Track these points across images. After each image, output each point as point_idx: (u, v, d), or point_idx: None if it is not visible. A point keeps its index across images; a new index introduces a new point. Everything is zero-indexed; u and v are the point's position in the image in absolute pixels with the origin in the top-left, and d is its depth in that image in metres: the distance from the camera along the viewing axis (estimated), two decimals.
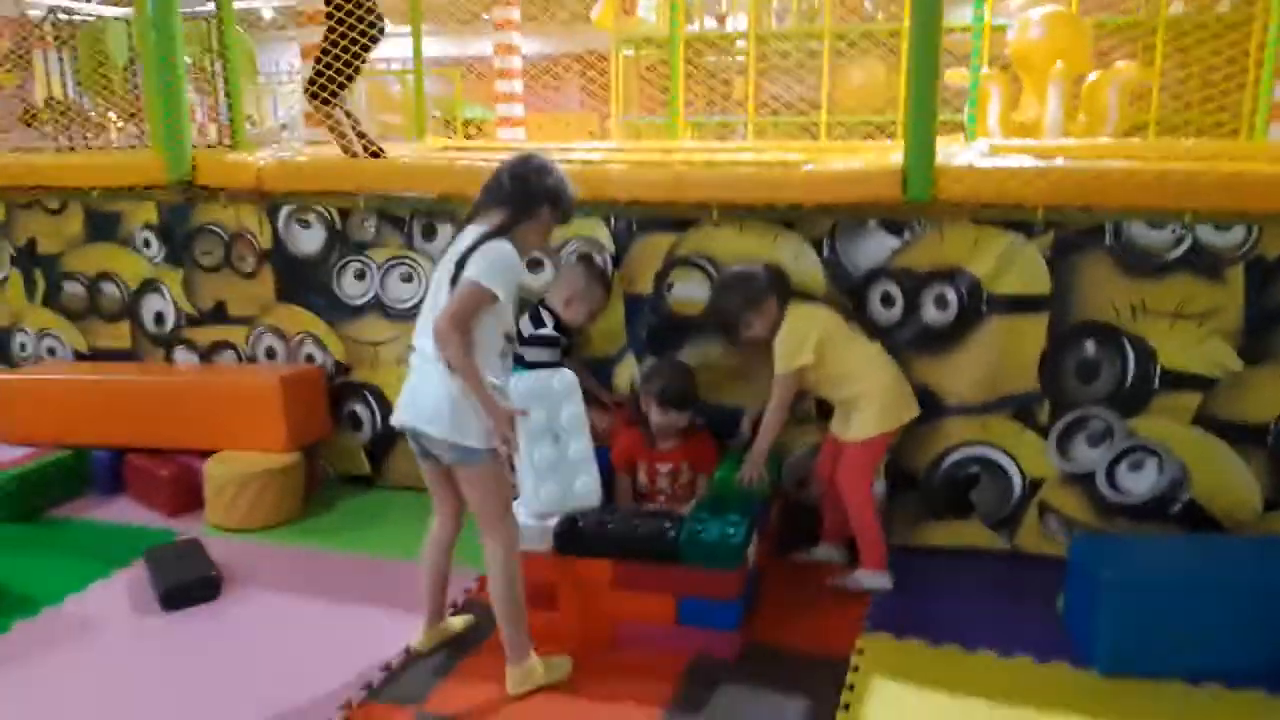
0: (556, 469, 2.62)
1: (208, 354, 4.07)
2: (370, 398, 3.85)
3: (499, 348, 2.47)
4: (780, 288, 3.05)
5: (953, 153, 3.57)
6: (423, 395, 2.44)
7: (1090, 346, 3.05)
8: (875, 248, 3.18)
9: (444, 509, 2.64)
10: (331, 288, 3.82)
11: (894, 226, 3.15)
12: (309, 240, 3.82)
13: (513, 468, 2.57)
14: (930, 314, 3.16)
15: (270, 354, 3.98)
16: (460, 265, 2.40)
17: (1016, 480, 3.18)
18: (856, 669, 2.62)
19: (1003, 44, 8.69)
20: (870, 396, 3.01)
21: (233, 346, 4.03)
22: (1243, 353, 2.93)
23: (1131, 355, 3.02)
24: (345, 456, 3.92)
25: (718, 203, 3.27)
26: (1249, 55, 9.34)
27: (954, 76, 9.04)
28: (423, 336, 2.46)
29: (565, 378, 2.71)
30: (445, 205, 3.58)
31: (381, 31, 3.93)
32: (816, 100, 10.95)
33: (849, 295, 3.22)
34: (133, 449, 3.79)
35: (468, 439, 2.40)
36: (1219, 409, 2.98)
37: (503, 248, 2.40)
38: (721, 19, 11.66)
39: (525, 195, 2.47)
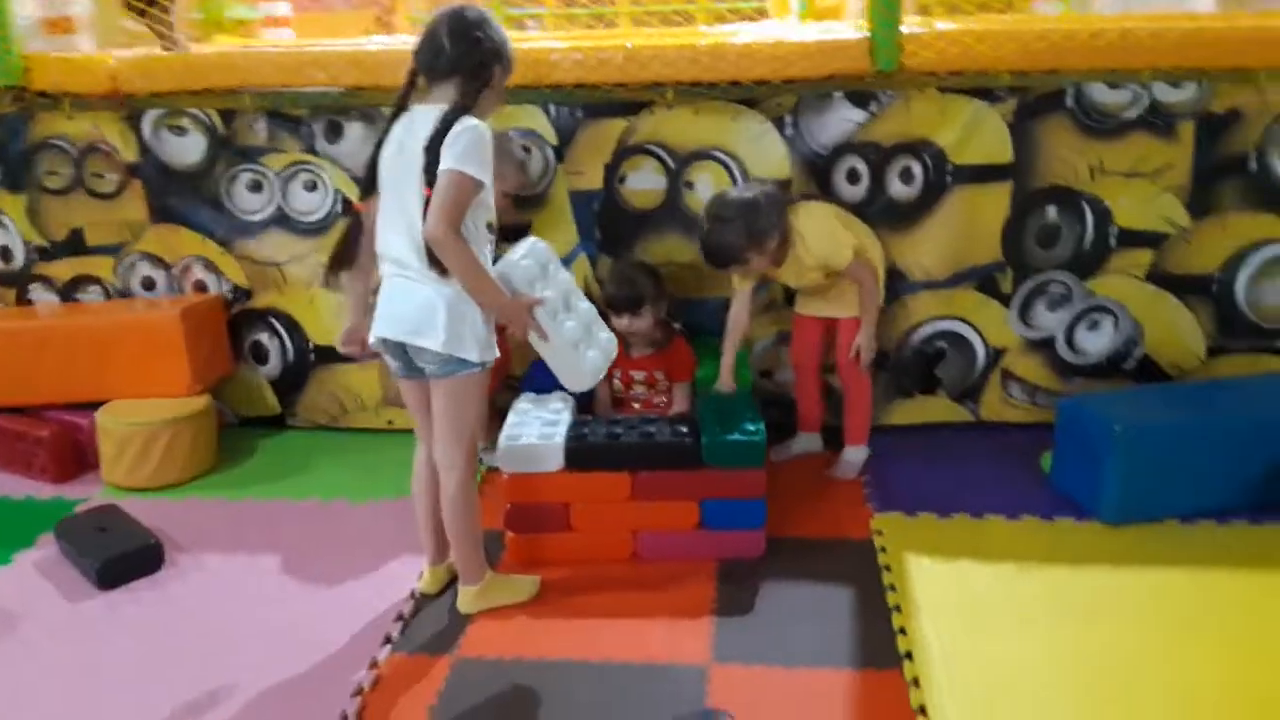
0: (586, 335, 2.39)
1: (67, 291, 3.47)
2: (278, 325, 3.42)
3: (486, 239, 2.23)
4: (782, 212, 2.83)
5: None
6: (408, 305, 2.17)
7: (1051, 212, 3.09)
8: (840, 123, 3.07)
9: (431, 434, 2.37)
10: (221, 202, 3.33)
11: (859, 99, 3.04)
12: (187, 149, 3.29)
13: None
14: (896, 188, 3.10)
15: (148, 285, 3.44)
16: (431, 153, 2.08)
17: (980, 351, 3.23)
18: (884, 549, 2.60)
19: None
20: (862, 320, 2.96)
21: (98, 281, 3.46)
22: (1190, 207, 3.05)
23: (1090, 217, 3.08)
24: (249, 395, 3.48)
25: (674, 82, 3.04)
26: None
27: None
28: (394, 241, 2.18)
29: (539, 245, 2.43)
30: (355, 100, 3.16)
31: None
32: None
33: (814, 173, 3.11)
34: None
35: (466, 350, 2.16)
36: (1168, 264, 3.11)
37: (475, 126, 2.11)
38: None
39: (476, 57, 2.15)
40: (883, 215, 3.10)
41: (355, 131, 3.21)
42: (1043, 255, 3.13)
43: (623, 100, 3.10)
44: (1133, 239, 3.08)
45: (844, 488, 2.97)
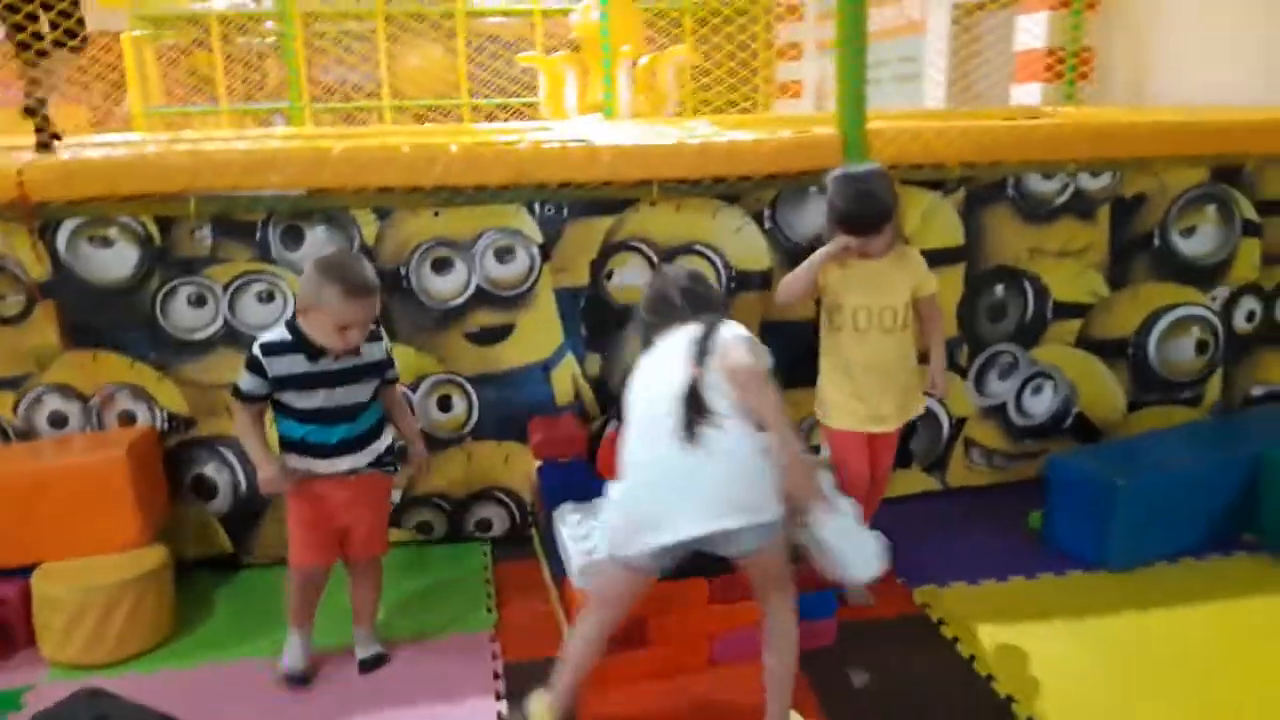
0: (858, 516, 2.26)
1: None
2: (228, 454, 3.03)
3: None
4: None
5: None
6: (727, 485, 1.99)
7: (999, 289, 3.38)
8: (815, 215, 3.21)
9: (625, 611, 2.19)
10: (156, 321, 2.94)
11: None
12: (112, 263, 2.89)
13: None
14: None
15: (58, 422, 2.95)
16: (702, 349, 2.05)
17: (945, 422, 3.44)
18: (942, 622, 2.68)
19: (568, 28, 9.15)
20: (934, 359, 2.86)
21: None
22: (1109, 280, 3.44)
23: (1030, 293, 3.40)
24: (196, 535, 3.06)
25: (661, 180, 3.07)
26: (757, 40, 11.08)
27: (525, 60, 9.33)
28: (686, 420, 1.99)
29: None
30: (320, 202, 2.93)
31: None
32: (369, 85, 10.71)
33: (793, 263, 3.20)
34: None
35: (775, 510, 2.04)
36: (1093, 330, 3.48)
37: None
38: None
39: (706, 298, 2.25)
40: None
41: (318, 237, 2.96)
42: (992, 329, 3.40)
43: (609, 198, 3.08)
44: (1064, 310, 3.42)
45: None
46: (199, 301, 2.95)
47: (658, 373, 2.09)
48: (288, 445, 2.44)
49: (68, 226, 2.84)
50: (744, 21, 11.30)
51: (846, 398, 2.73)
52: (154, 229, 2.89)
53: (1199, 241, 3.45)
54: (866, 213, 2.60)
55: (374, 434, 2.51)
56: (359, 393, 2.45)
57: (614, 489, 2.13)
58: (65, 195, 2.80)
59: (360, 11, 10.59)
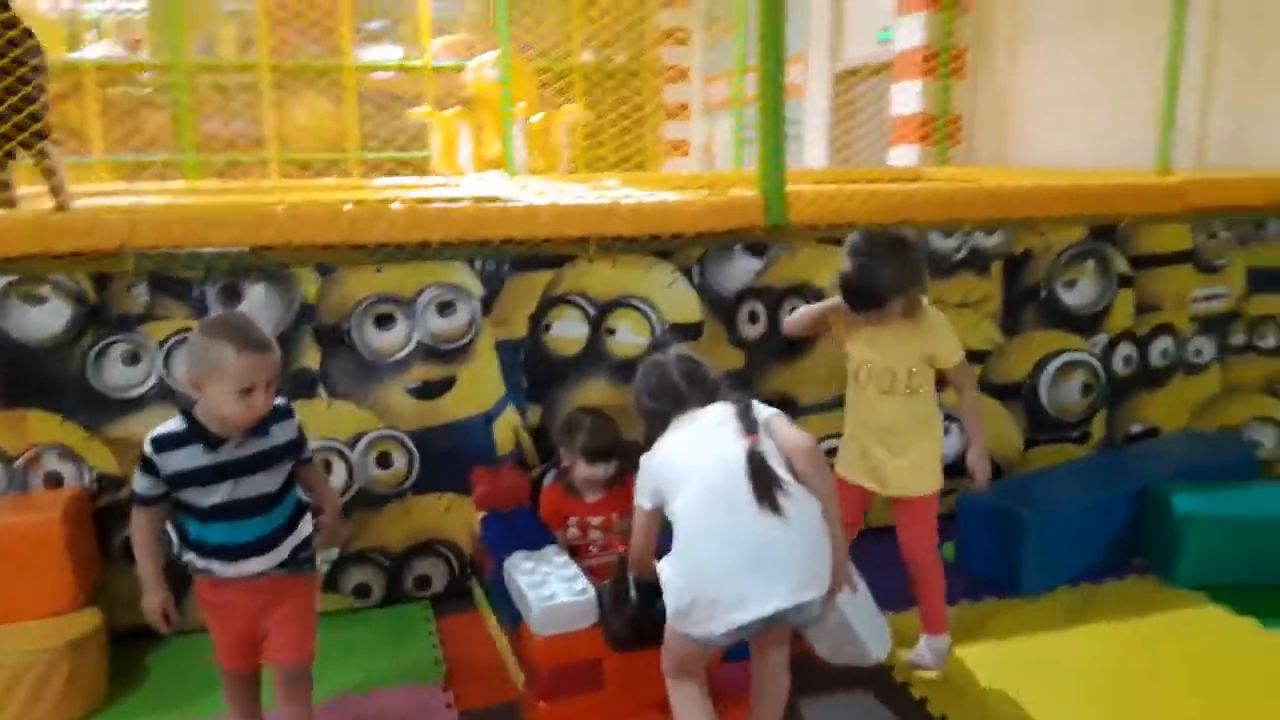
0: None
1: None
2: None
3: None
4: (922, 262, 2.67)
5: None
6: (806, 555, 2.00)
7: None
8: (741, 271, 3.40)
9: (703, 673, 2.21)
10: (87, 379, 2.88)
11: (756, 250, 3.41)
12: (44, 321, 2.83)
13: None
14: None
15: None
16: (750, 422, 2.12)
17: None
18: None
19: (461, 85, 9.30)
20: (938, 437, 2.74)
21: None
22: (1003, 329, 3.74)
23: None
24: (124, 602, 2.96)
25: (598, 237, 3.21)
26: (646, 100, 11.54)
27: (418, 115, 9.47)
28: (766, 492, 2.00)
29: None
30: (261, 260, 2.95)
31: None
32: (256, 136, 10.63)
33: (721, 315, 3.40)
34: None
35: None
36: (991, 375, 3.76)
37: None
38: (134, 44, 10.69)
39: (710, 379, 2.31)
40: (779, 350, 3.46)
41: (257, 294, 2.98)
42: None
43: (548, 254, 3.20)
44: (966, 358, 3.69)
45: None
46: (133, 359, 2.91)
47: (706, 450, 2.06)
48: (189, 545, 2.17)
49: None
50: (635, 84, 11.69)
51: (849, 447, 2.78)
52: (88, 286, 2.85)
53: (1080, 293, 3.79)
54: (858, 287, 2.58)
55: (288, 528, 2.20)
56: (267, 482, 2.14)
57: (674, 567, 2.03)
58: None
59: (245, 64, 10.48)
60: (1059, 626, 2.97)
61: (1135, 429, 3.96)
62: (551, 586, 2.53)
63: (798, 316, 2.88)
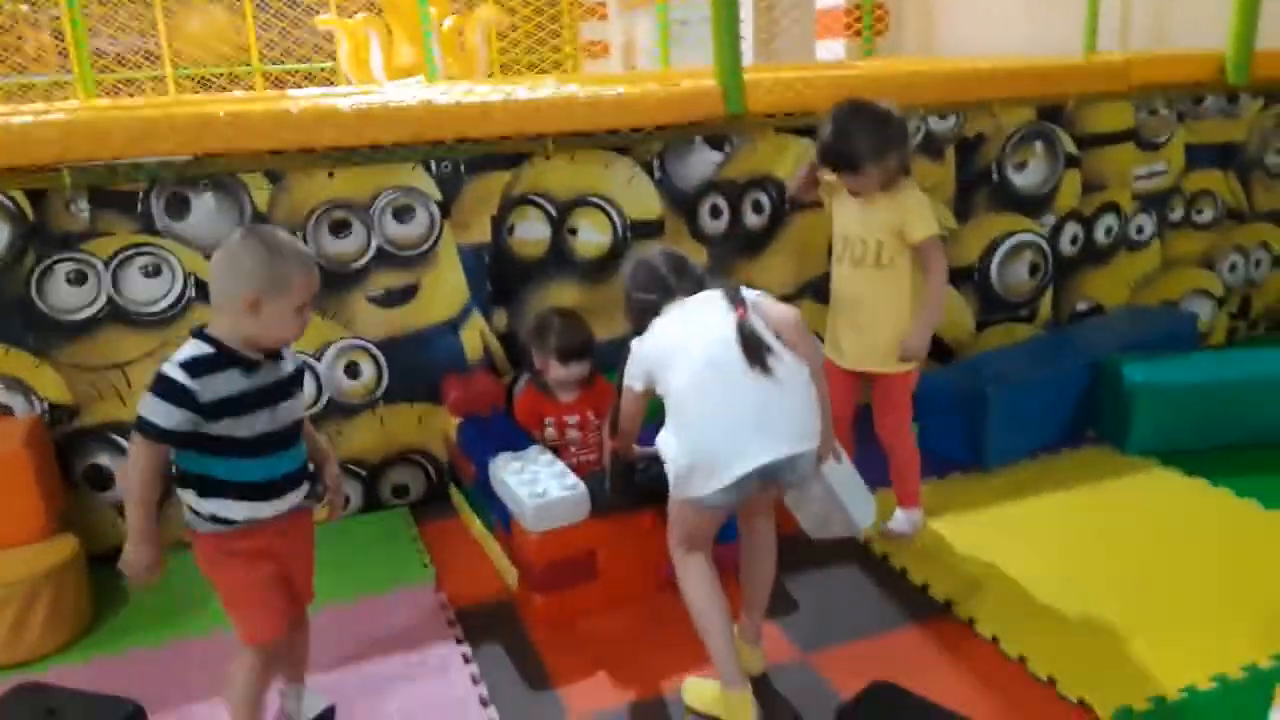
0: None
1: None
2: (122, 440, 2.88)
3: None
4: (905, 139, 2.66)
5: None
6: (797, 411, 2.05)
7: None
8: (701, 164, 3.36)
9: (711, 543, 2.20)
10: (32, 303, 2.74)
11: (716, 142, 3.37)
12: None
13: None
14: (750, 219, 3.47)
15: None
16: (738, 300, 2.12)
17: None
18: None
19: None
20: (913, 313, 2.71)
21: None
22: (956, 213, 3.79)
23: None
24: (91, 529, 2.89)
25: (555, 133, 3.13)
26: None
27: (325, 23, 9.09)
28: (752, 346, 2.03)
29: None
30: (205, 169, 2.81)
31: None
32: (151, 51, 10.09)
33: (683, 210, 3.37)
34: None
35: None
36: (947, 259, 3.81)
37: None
38: None
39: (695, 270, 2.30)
40: (740, 244, 3.46)
41: (204, 204, 2.84)
42: None
43: (505, 153, 3.11)
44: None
45: None
46: (79, 279, 2.77)
47: (698, 328, 2.08)
48: (222, 490, 1.89)
49: None
50: None
51: (828, 326, 2.86)
52: (25, 203, 2.69)
53: (1029, 175, 3.85)
54: (835, 149, 2.62)
55: (309, 458, 2.06)
56: (297, 408, 1.98)
57: (673, 438, 2.05)
58: None
59: None
60: (1023, 495, 3.09)
61: (1081, 306, 4.08)
62: (542, 484, 2.54)
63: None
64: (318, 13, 9.51)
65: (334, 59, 9.94)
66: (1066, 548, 2.78)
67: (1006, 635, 2.36)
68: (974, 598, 2.53)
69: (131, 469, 1.83)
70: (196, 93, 9.61)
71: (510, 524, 2.60)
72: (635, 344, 2.19)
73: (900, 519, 2.87)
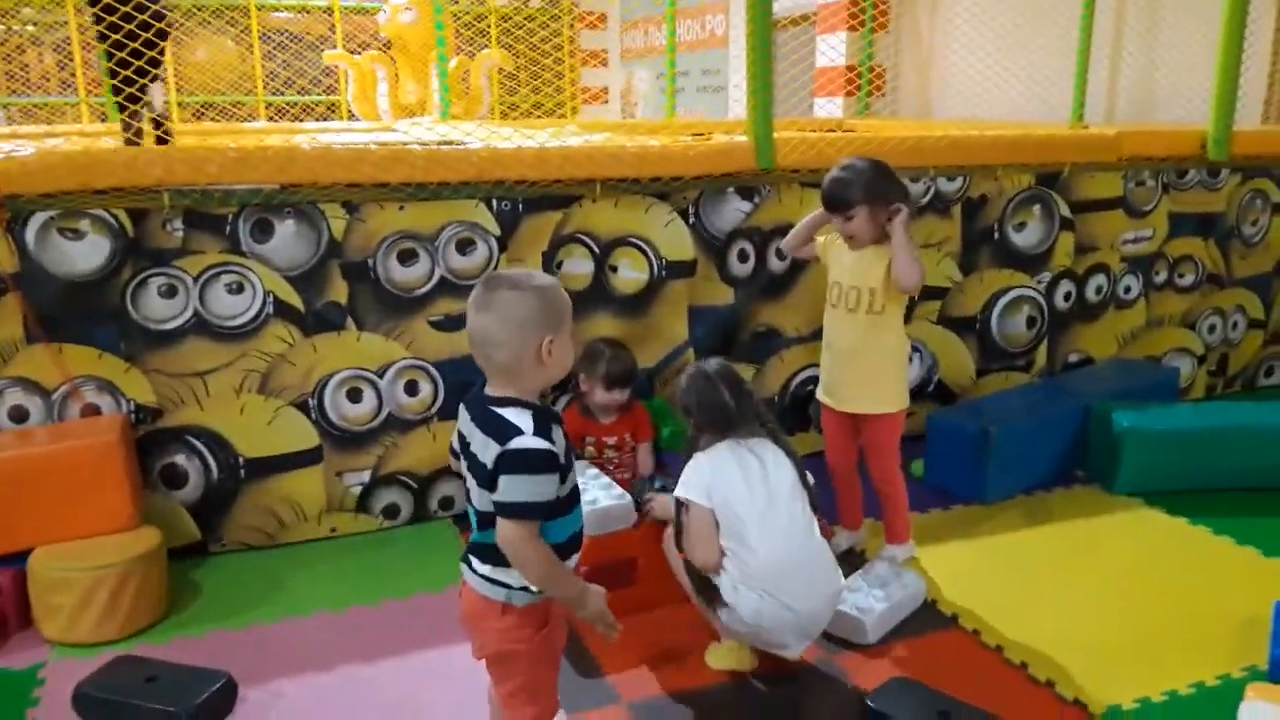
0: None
1: None
2: (198, 443, 3.12)
3: None
4: (901, 193, 2.85)
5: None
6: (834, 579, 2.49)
7: None
8: (732, 212, 3.67)
9: None
10: (126, 313, 2.99)
11: (746, 193, 3.68)
12: (83, 255, 2.92)
13: None
14: (773, 264, 3.77)
15: (18, 416, 2.94)
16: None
17: None
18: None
19: (365, 28, 9.19)
20: (902, 361, 2.97)
21: None
22: (961, 267, 4.11)
23: None
24: (164, 525, 3.09)
25: (603, 179, 3.43)
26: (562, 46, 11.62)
27: (333, 58, 9.40)
28: None
29: None
30: (289, 197, 3.08)
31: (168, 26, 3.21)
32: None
33: (714, 253, 3.67)
34: None
35: None
36: (950, 310, 4.13)
37: None
38: None
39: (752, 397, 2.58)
40: (765, 287, 3.76)
41: (287, 230, 3.11)
42: None
43: (557, 195, 3.40)
44: (929, 293, 4.06)
45: None
46: (170, 292, 3.02)
47: (762, 472, 2.40)
48: (557, 552, 1.76)
49: (38, 219, 2.85)
50: (551, 25, 11.72)
51: (822, 370, 3.06)
52: (126, 221, 2.94)
53: (1028, 235, 4.18)
54: (828, 194, 2.86)
55: None
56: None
57: (738, 587, 2.35)
58: (37, 188, 2.81)
59: None
60: (1019, 527, 3.37)
61: (1073, 358, 4.40)
62: (592, 493, 2.79)
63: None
64: (322, 48, 9.81)
65: (333, 93, 10.25)
66: (1059, 573, 3.05)
67: (1008, 645, 2.63)
68: (977, 613, 2.79)
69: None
70: (199, 119, 9.85)
71: None
72: (697, 459, 2.44)
73: (892, 551, 3.05)
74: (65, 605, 2.59)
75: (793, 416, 3.90)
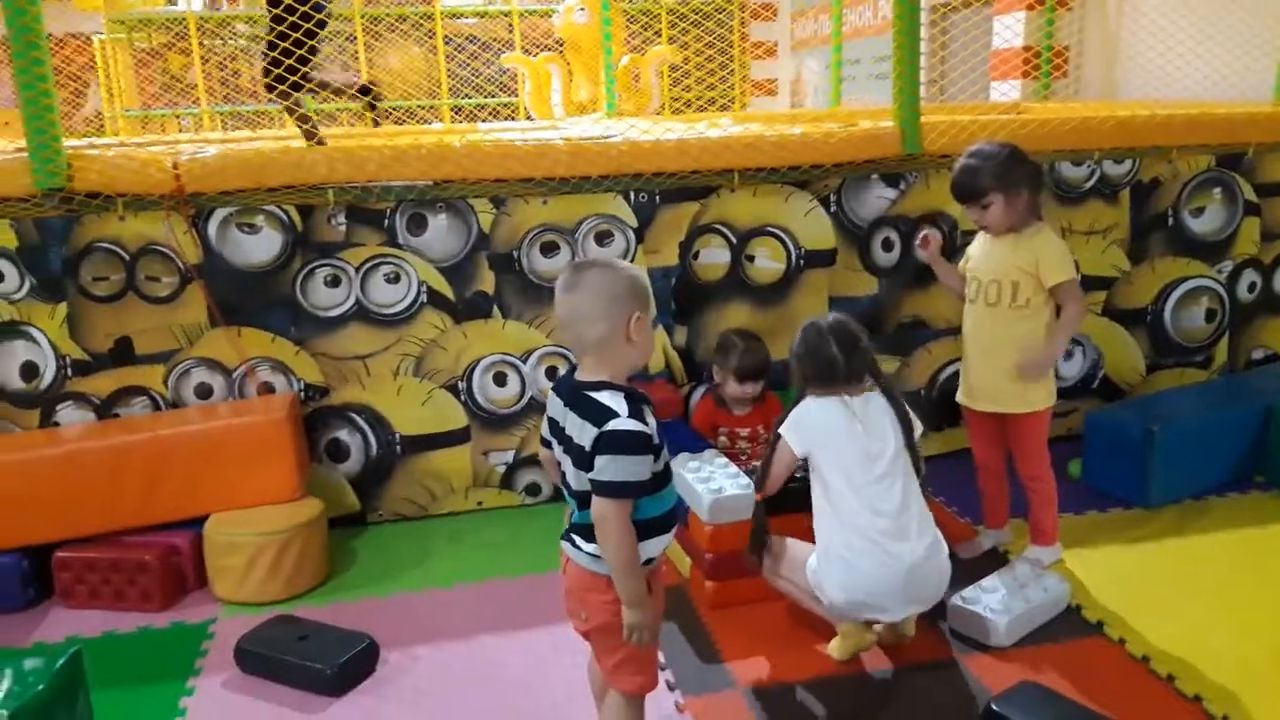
0: None
1: (105, 407, 3.18)
2: (360, 420, 3.35)
3: None
4: (1035, 179, 2.77)
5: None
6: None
7: None
8: (876, 200, 3.60)
9: None
10: (296, 300, 3.24)
11: (891, 180, 3.60)
12: (258, 248, 3.19)
13: None
14: (919, 254, 3.66)
15: (203, 393, 3.25)
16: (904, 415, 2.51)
17: None
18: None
19: (550, 29, 9.43)
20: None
21: (144, 392, 3.21)
22: (1130, 255, 3.86)
23: None
24: (327, 495, 3.34)
25: (741, 169, 3.43)
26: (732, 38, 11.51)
27: (510, 61, 9.65)
28: None
29: None
30: (441, 192, 3.25)
31: (329, 15, 3.48)
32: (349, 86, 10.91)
33: (856, 242, 3.61)
34: (59, 542, 2.90)
35: None
36: (1116, 300, 3.90)
37: None
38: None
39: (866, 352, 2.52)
40: (912, 277, 3.66)
41: (440, 223, 3.29)
42: None
43: (695, 186, 3.44)
44: (1091, 283, 3.83)
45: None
46: (334, 282, 3.26)
47: (864, 428, 2.38)
48: (648, 529, 1.81)
49: (219, 215, 3.14)
50: (720, 18, 11.71)
51: (963, 368, 2.97)
52: (296, 217, 3.19)
53: (1207, 220, 3.89)
54: (958, 185, 2.79)
55: None
56: None
57: (831, 573, 2.39)
58: (217, 187, 3.09)
59: (343, 11, 10.76)
60: (1183, 534, 3.15)
61: (1257, 355, 4.06)
62: (718, 482, 2.81)
63: (942, 279, 3.11)
64: (502, 52, 10.21)
65: (511, 95, 10.63)
66: (1222, 584, 2.84)
67: (1156, 655, 2.47)
68: (1126, 621, 2.64)
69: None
70: (399, 123, 10.44)
71: (687, 516, 2.89)
72: (803, 407, 2.45)
73: (1036, 553, 2.94)
74: (234, 567, 2.85)
75: (940, 411, 3.78)
